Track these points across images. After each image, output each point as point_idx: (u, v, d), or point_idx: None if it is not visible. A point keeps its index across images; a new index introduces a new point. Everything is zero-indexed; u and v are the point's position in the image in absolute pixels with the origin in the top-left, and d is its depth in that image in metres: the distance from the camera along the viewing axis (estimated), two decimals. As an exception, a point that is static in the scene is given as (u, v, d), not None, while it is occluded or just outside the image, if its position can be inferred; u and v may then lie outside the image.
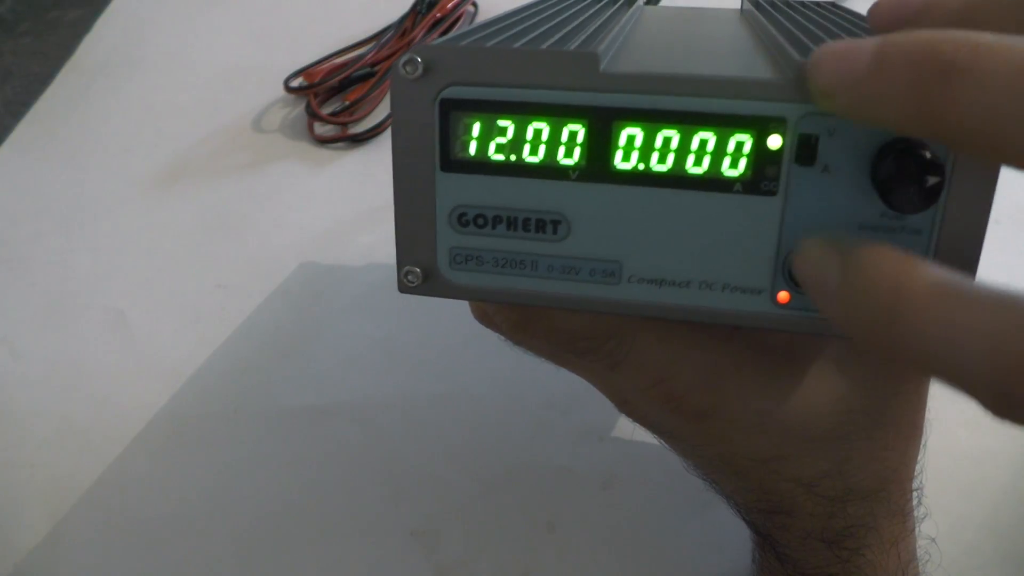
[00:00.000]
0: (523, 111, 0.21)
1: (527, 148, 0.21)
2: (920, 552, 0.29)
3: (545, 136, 0.21)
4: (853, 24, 0.27)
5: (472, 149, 0.22)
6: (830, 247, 0.18)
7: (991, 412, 0.15)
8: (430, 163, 0.22)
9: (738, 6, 0.41)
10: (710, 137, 0.20)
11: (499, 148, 0.21)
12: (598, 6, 0.33)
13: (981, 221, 0.20)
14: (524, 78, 0.21)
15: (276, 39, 0.67)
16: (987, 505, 0.36)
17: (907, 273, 0.16)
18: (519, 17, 0.27)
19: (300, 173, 0.55)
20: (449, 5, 0.64)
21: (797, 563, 0.28)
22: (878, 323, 0.16)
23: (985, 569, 0.35)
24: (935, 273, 0.15)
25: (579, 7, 0.32)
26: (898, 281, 0.15)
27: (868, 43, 0.16)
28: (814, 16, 0.30)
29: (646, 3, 0.40)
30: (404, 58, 0.21)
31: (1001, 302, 0.14)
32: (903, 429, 0.27)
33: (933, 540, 0.30)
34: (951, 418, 0.39)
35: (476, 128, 0.21)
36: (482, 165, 0.22)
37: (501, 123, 0.21)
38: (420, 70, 0.21)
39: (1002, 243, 0.47)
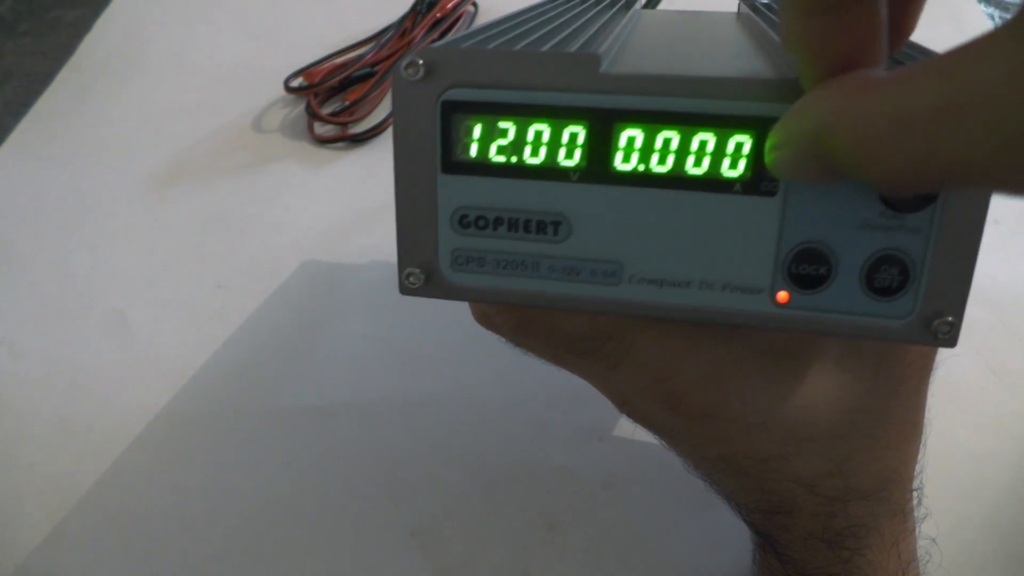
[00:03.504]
0: (524, 113, 0.21)
1: (528, 150, 0.21)
2: (920, 552, 0.29)
3: (546, 138, 0.21)
4: None
5: (473, 151, 0.22)
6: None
7: None
8: (432, 165, 0.22)
9: (734, 10, 0.41)
10: (710, 138, 0.20)
11: (500, 150, 0.22)
12: (596, 9, 0.33)
13: (979, 220, 0.20)
14: (525, 80, 0.21)
15: (276, 39, 0.67)
16: (987, 505, 0.36)
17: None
18: (519, 20, 0.27)
19: (300, 173, 0.55)
20: (449, 5, 0.64)
21: (798, 563, 0.28)
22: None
23: (985, 569, 0.35)
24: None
25: (578, 11, 0.32)
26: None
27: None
28: None
29: (644, 7, 0.40)
30: (406, 60, 0.21)
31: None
32: (903, 428, 0.27)
33: (933, 540, 0.30)
34: (951, 418, 0.39)
35: (477, 130, 0.21)
36: (483, 167, 0.22)
37: (502, 125, 0.21)
38: (422, 72, 0.21)
39: (1002, 243, 0.47)
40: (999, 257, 0.46)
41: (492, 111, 0.21)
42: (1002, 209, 0.48)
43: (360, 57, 0.61)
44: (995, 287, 0.45)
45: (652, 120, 0.21)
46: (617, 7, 0.36)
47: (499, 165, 0.22)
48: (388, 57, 0.61)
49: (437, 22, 0.63)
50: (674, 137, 0.21)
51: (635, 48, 0.25)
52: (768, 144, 0.19)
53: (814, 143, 0.17)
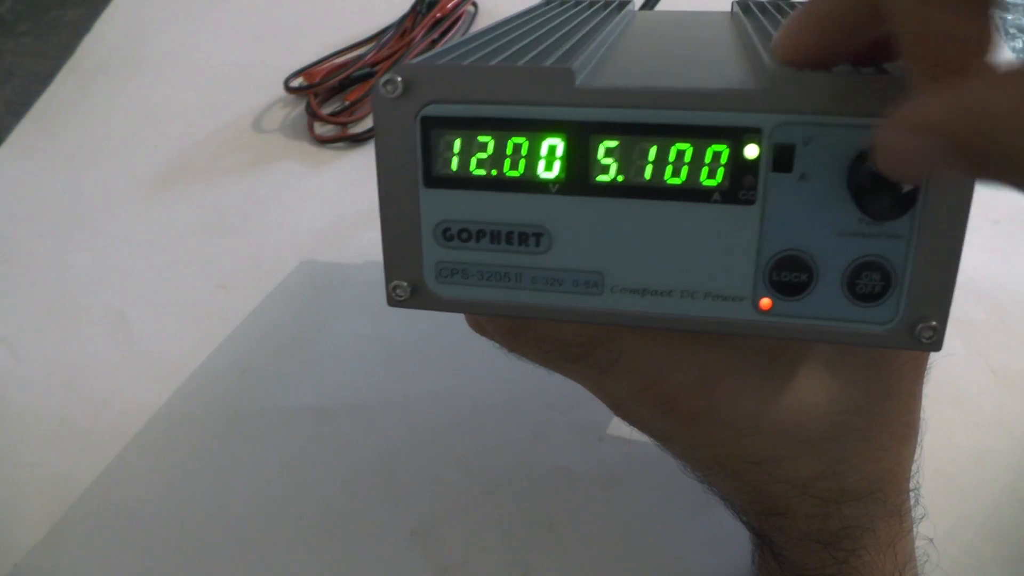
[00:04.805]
0: (502, 127, 0.21)
1: (507, 163, 0.22)
2: (918, 552, 0.29)
3: (524, 151, 0.21)
4: None
5: (453, 165, 0.22)
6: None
7: None
8: (414, 179, 0.22)
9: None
10: (687, 148, 0.21)
11: (480, 163, 0.22)
12: (587, 13, 0.33)
13: (960, 224, 0.20)
14: (501, 95, 0.21)
15: (276, 39, 0.67)
16: (986, 505, 0.36)
17: None
18: (505, 29, 0.28)
19: (300, 173, 0.55)
20: (449, 5, 0.64)
21: (794, 564, 0.28)
22: None
23: (984, 569, 0.35)
24: None
25: (568, 15, 0.32)
26: None
27: None
28: None
29: (642, 7, 0.40)
30: (384, 78, 0.21)
31: None
32: (898, 429, 0.27)
33: (931, 540, 0.30)
34: (951, 418, 0.39)
35: (457, 144, 0.22)
36: (464, 180, 0.22)
37: (481, 139, 0.21)
38: (400, 89, 0.21)
39: (1002, 243, 0.47)
40: (999, 257, 0.46)
41: (470, 126, 0.21)
42: (1002, 209, 0.48)
43: (360, 57, 0.61)
44: (995, 287, 0.45)
45: (629, 132, 0.21)
46: (609, 10, 0.36)
47: (480, 178, 0.22)
48: (388, 57, 0.61)
49: (437, 22, 0.63)
50: (651, 148, 0.21)
51: (616, 58, 0.26)
52: (892, 128, 0.17)
53: (975, 131, 0.16)
